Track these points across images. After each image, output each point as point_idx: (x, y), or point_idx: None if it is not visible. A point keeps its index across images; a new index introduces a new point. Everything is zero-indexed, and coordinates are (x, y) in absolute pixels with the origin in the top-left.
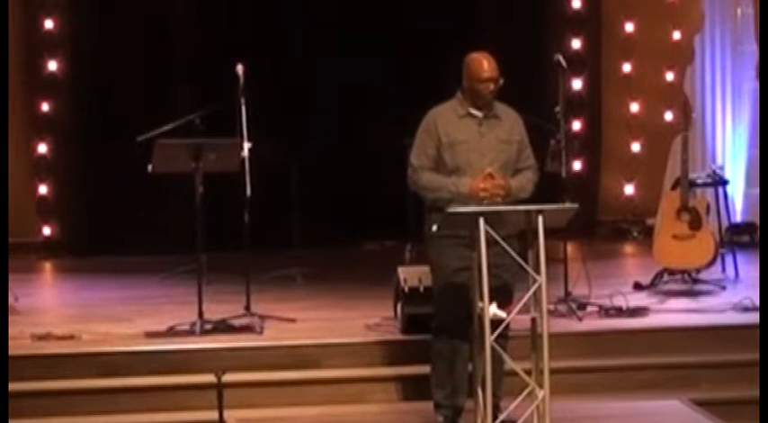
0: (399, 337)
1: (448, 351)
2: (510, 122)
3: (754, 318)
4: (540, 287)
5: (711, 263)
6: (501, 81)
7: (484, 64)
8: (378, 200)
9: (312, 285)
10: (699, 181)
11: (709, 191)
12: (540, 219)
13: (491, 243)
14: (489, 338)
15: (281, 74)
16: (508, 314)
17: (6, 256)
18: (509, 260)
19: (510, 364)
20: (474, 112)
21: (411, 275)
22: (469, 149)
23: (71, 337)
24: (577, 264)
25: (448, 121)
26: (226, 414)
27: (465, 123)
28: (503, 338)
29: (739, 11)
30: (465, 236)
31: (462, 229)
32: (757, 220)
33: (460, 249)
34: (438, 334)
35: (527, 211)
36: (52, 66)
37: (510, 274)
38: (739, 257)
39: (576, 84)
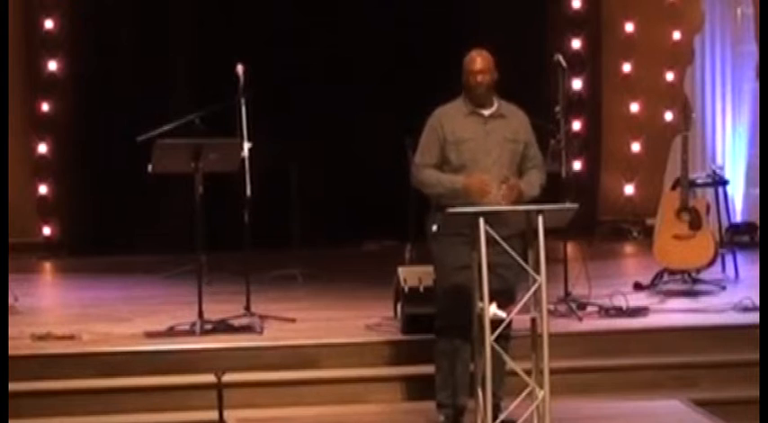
0: (399, 337)
1: (450, 350)
2: (516, 122)
3: (754, 318)
4: (540, 287)
5: (711, 263)
6: (495, 76)
7: (475, 57)
8: (378, 200)
9: (312, 285)
10: (699, 181)
11: (710, 191)
12: (540, 219)
13: (493, 243)
14: (489, 338)
15: (280, 74)
16: (509, 314)
17: (6, 256)
18: (512, 259)
19: (510, 364)
20: (479, 110)
21: (411, 275)
22: (475, 147)
23: (71, 337)
24: (577, 264)
25: (453, 120)
26: (226, 414)
27: (470, 122)
28: (504, 339)
29: (739, 11)
30: (467, 234)
31: (464, 228)
32: (757, 220)
33: (463, 247)
34: (441, 333)
35: (527, 211)
36: (52, 66)
37: (512, 274)
38: (739, 257)
39: (576, 84)
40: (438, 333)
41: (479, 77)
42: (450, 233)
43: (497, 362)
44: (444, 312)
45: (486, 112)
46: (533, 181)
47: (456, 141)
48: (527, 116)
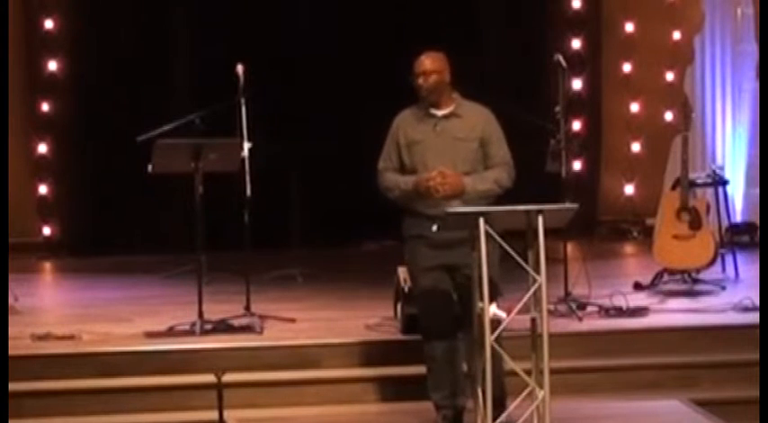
0: (399, 337)
1: (438, 352)
2: (473, 120)
3: (754, 318)
4: (540, 287)
5: (711, 263)
6: (445, 76)
7: (422, 59)
8: (377, 200)
9: (312, 285)
10: (699, 181)
11: (710, 191)
12: (540, 219)
13: (456, 243)
14: (489, 338)
15: (281, 74)
16: (508, 314)
17: (6, 256)
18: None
19: (510, 364)
20: (433, 111)
21: None
22: (425, 149)
23: (71, 337)
24: (577, 264)
25: (407, 123)
26: (226, 414)
27: (423, 124)
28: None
29: (739, 11)
30: (428, 236)
31: (425, 230)
32: (757, 220)
33: (426, 250)
34: (426, 335)
35: (527, 211)
36: (52, 66)
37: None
38: (739, 257)
39: (576, 84)
40: (423, 334)
41: (421, 79)
42: (414, 235)
43: (494, 362)
44: (424, 314)
45: (440, 113)
46: (486, 176)
47: (408, 144)
48: (492, 115)
